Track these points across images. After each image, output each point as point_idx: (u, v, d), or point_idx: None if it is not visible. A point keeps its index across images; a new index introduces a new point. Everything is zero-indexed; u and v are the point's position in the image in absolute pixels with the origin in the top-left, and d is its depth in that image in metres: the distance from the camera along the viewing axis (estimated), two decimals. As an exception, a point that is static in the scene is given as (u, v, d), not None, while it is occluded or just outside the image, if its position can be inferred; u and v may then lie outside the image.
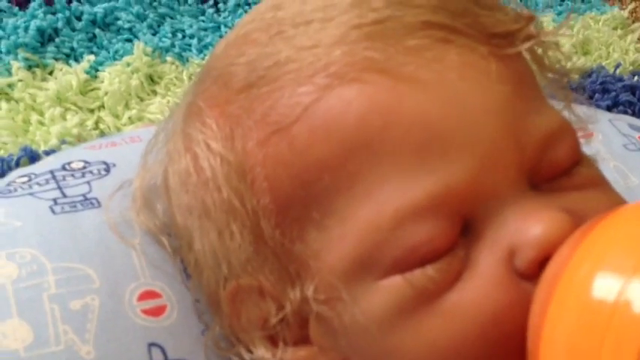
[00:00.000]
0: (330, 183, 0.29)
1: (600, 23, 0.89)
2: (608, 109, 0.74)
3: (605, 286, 0.23)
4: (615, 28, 0.89)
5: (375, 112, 0.29)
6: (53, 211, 0.37)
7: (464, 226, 0.29)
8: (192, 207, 0.33)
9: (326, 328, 0.32)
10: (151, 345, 0.34)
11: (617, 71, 0.80)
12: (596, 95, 0.75)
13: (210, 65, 0.35)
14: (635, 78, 0.79)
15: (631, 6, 0.93)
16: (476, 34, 0.30)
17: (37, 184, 0.39)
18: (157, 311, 0.35)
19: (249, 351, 0.33)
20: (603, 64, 0.81)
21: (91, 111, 0.61)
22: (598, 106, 0.74)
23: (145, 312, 0.35)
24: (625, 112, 0.73)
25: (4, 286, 0.33)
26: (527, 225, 0.28)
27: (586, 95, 0.75)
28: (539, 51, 0.35)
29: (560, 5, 0.92)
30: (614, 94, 0.75)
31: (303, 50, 0.30)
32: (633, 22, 0.91)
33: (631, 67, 0.82)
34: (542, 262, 0.28)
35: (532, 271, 0.28)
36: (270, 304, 0.32)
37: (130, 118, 0.61)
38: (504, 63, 0.30)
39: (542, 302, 0.26)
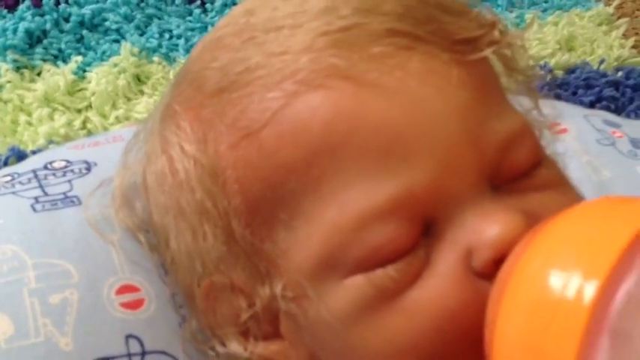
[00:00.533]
0: (296, 185, 0.30)
1: (585, 19, 0.89)
2: (592, 104, 0.75)
3: (551, 281, 0.24)
4: (600, 24, 0.90)
5: (340, 118, 0.30)
6: (34, 209, 0.38)
7: (425, 227, 0.30)
8: (168, 207, 0.34)
9: (294, 323, 0.33)
10: (129, 337, 0.35)
11: (601, 67, 0.80)
12: (580, 91, 0.76)
13: (187, 68, 0.36)
14: (619, 73, 0.80)
15: (616, 2, 0.94)
16: (439, 41, 0.31)
17: (20, 182, 0.41)
18: (135, 304, 0.37)
19: (223, 345, 0.34)
20: (587, 59, 0.82)
21: (79, 111, 0.62)
22: (581, 102, 0.75)
23: (123, 305, 0.36)
24: (608, 108, 0.74)
25: (-15, 282, 0.35)
26: (485, 226, 0.29)
27: (570, 91, 0.77)
28: (508, 53, 0.35)
29: (546, 2, 0.93)
30: (597, 89, 0.76)
31: (273, 57, 0.31)
32: (619, 17, 0.92)
33: (615, 63, 0.83)
34: (498, 262, 0.29)
35: (488, 270, 0.29)
36: (241, 301, 0.33)
37: (117, 117, 0.62)
38: (466, 69, 0.31)
39: (496, 299, 0.27)
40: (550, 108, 0.55)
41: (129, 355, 0.35)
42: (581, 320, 0.23)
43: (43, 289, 0.35)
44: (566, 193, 0.33)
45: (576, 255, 0.24)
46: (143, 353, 0.35)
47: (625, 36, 0.89)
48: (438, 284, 0.30)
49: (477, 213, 0.30)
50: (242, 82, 0.31)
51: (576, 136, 0.53)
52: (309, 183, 0.30)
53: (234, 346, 0.34)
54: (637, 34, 0.92)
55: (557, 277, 0.24)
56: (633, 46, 0.88)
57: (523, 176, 0.32)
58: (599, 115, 0.59)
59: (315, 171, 0.30)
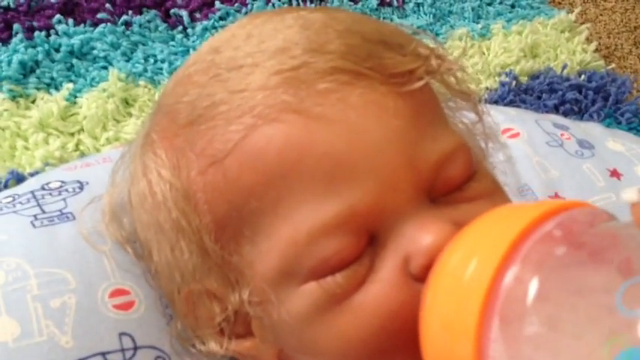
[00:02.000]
0: (256, 206, 0.34)
1: (548, 27, 0.93)
2: (556, 107, 0.79)
3: (458, 273, 0.29)
4: (563, 31, 0.93)
5: (290, 147, 0.34)
6: (34, 225, 0.43)
7: (370, 238, 0.34)
8: (150, 224, 0.39)
9: (262, 324, 0.37)
10: (122, 334, 0.40)
11: (564, 72, 0.84)
12: (544, 95, 0.80)
13: (162, 101, 0.40)
14: (582, 77, 0.84)
15: (579, 9, 0.99)
16: (377, 76, 0.35)
17: (20, 203, 0.45)
18: (126, 306, 0.41)
19: (203, 343, 0.39)
20: (551, 65, 0.86)
21: (72, 134, 0.65)
22: (546, 105, 0.79)
23: (116, 307, 0.40)
24: (572, 110, 0.78)
25: (-7, 290, 0.39)
26: (419, 236, 0.33)
27: (535, 95, 0.81)
28: (448, 78, 0.40)
29: (511, 12, 0.97)
30: (560, 93, 0.80)
31: (234, 94, 0.35)
32: (582, 23, 0.96)
33: (578, 67, 0.86)
34: (430, 266, 0.32)
35: (423, 274, 0.33)
36: (216, 306, 0.38)
37: (107, 139, 0.65)
38: (402, 99, 0.35)
39: (424, 293, 0.32)
40: (504, 115, 0.61)
41: (122, 350, 0.39)
42: (478, 302, 0.27)
43: (44, 294, 0.39)
44: (494, 202, 0.36)
45: (476, 253, 0.29)
46: (135, 348, 0.40)
47: (588, 41, 0.93)
48: (380, 288, 0.34)
49: (413, 224, 0.34)
50: (208, 115, 0.35)
51: (527, 140, 0.58)
52: (267, 204, 0.34)
53: (213, 345, 0.38)
54: (600, 37, 0.97)
55: (462, 269, 0.29)
56: (596, 50, 0.93)
57: (457, 189, 0.36)
58: (549, 119, 0.63)
59: (272, 193, 0.34)
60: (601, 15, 1.01)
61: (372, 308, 0.34)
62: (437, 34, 0.88)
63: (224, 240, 0.36)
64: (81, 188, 0.46)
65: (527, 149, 0.57)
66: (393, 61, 0.36)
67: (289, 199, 0.34)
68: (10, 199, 0.46)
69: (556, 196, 0.55)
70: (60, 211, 0.44)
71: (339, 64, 0.35)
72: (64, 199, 0.45)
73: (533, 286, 0.27)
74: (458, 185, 0.36)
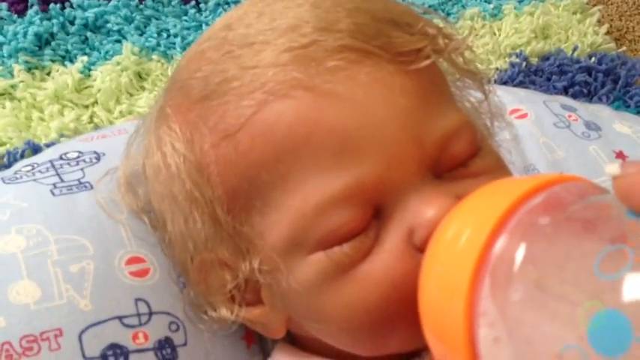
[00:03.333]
0: (267, 179, 0.36)
1: (560, 8, 0.92)
2: (565, 89, 0.79)
3: (454, 239, 0.31)
4: (575, 13, 0.93)
5: (300, 122, 0.35)
6: (53, 194, 0.44)
7: (376, 211, 0.36)
8: (164, 195, 0.40)
9: (271, 292, 0.39)
10: (138, 300, 0.41)
11: (575, 54, 0.84)
12: (554, 77, 0.81)
13: (176, 76, 0.41)
14: (592, 59, 0.84)
15: (591, -10, 0.98)
16: (385, 55, 0.36)
17: (39, 171, 0.46)
18: (142, 273, 0.42)
19: (214, 310, 0.40)
20: (562, 47, 0.86)
21: (86, 107, 0.66)
22: (555, 87, 0.79)
23: (132, 274, 0.42)
24: (581, 92, 0.78)
25: (15, 254, 0.40)
26: (423, 209, 0.35)
27: (544, 77, 0.81)
28: (455, 57, 0.40)
29: (523, -8, 0.96)
30: (570, 75, 0.80)
31: (246, 70, 0.36)
32: (593, 5, 0.96)
33: (589, 50, 0.86)
34: None
35: (425, 245, 0.33)
36: (227, 274, 0.39)
37: (121, 112, 0.67)
38: (409, 77, 0.36)
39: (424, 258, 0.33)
40: (513, 95, 0.61)
41: (138, 315, 0.41)
42: (471, 263, 0.29)
43: (64, 260, 0.41)
44: (495, 178, 0.37)
45: (472, 220, 0.31)
46: (150, 313, 0.41)
47: (599, 23, 0.93)
48: (385, 258, 0.35)
49: (418, 198, 0.35)
50: (221, 91, 0.36)
51: (535, 120, 0.59)
52: (277, 177, 0.35)
53: (224, 312, 0.40)
54: (611, 20, 0.96)
55: (458, 236, 0.31)
56: (607, 33, 0.92)
57: (461, 165, 0.37)
58: (557, 101, 0.64)
59: (282, 167, 0.35)
60: (613, -3, 1.00)
61: (377, 277, 0.35)
62: (448, 14, 0.88)
63: (235, 211, 0.37)
64: (98, 159, 0.47)
65: (535, 130, 0.58)
66: (400, 39, 0.36)
67: (298, 172, 0.35)
68: (30, 167, 0.47)
69: (562, 176, 0.56)
70: (78, 180, 0.45)
71: (348, 43, 0.36)
72: (81, 169, 0.46)
73: (521, 251, 0.29)
74: (462, 161, 0.37)
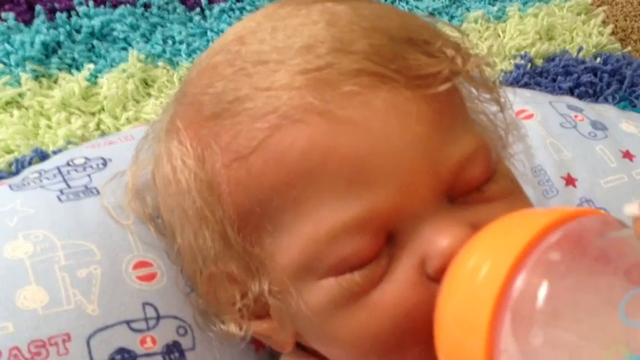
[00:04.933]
0: (279, 203, 0.35)
1: (564, 10, 0.92)
2: (571, 90, 0.79)
3: (473, 274, 0.31)
4: (579, 14, 0.93)
5: (314, 149, 0.34)
6: (60, 200, 0.44)
7: (389, 238, 0.35)
8: (174, 208, 0.40)
9: (281, 312, 0.38)
10: (145, 304, 0.41)
11: (580, 54, 0.84)
12: (559, 78, 0.80)
13: (186, 89, 0.41)
14: (597, 60, 0.84)
15: (596, -9, 0.98)
16: (401, 79, 0.35)
17: (46, 178, 0.47)
18: (149, 277, 0.42)
19: (223, 324, 0.40)
20: (567, 48, 0.86)
21: (93, 114, 0.67)
22: (560, 88, 0.79)
23: (140, 278, 0.42)
24: (586, 93, 0.78)
25: (22, 260, 0.41)
26: (436, 238, 0.34)
27: (549, 78, 0.81)
28: (473, 74, 0.40)
29: (527, -6, 0.97)
30: (575, 75, 0.80)
31: (259, 91, 0.36)
32: (598, 6, 0.96)
33: (594, 50, 0.86)
34: (446, 269, 0.33)
35: (438, 275, 0.34)
36: (236, 291, 0.39)
37: (127, 119, 0.67)
38: (426, 102, 0.35)
39: (439, 292, 0.33)
40: (519, 96, 0.61)
41: (146, 319, 0.41)
42: (491, 299, 0.29)
43: (71, 265, 0.41)
44: (510, 203, 0.37)
45: (491, 255, 0.31)
46: (158, 318, 0.41)
47: (604, 23, 0.93)
48: (397, 287, 0.35)
49: (431, 226, 0.35)
50: (233, 111, 0.36)
51: (541, 121, 0.58)
52: (289, 202, 0.35)
53: (232, 327, 0.40)
54: (616, 20, 0.96)
55: (477, 270, 0.31)
56: (612, 33, 0.92)
57: (475, 190, 0.37)
58: (563, 101, 0.63)
59: (295, 192, 0.35)
60: (618, -3, 1.00)
61: (388, 307, 0.35)
62: (452, 17, 0.88)
63: (246, 231, 0.37)
64: (104, 165, 0.48)
65: (541, 130, 0.57)
66: (418, 62, 0.36)
67: (311, 198, 0.35)
68: (37, 174, 0.47)
69: (568, 176, 0.56)
70: (85, 186, 0.46)
71: (363, 66, 0.35)
72: (88, 175, 0.47)
73: (543, 289, 0.29)
74: (477, 186, 0.37)
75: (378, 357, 0.36)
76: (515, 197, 0.39)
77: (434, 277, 0.34)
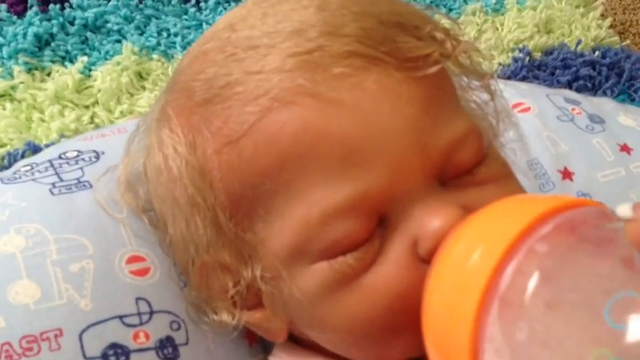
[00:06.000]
0: (270, 187, 0.35)
1: (563, 2, 0.92)
2: (569, 83, 0.79)
3: (463, 260, 0.30)
4: (578, 7, 0.92)
5: (305, 131, 0.34)
6: (52, 193, 0.44)
7: (380, 221, 0.35)
8: (165, 198, 0.39)
9: (273, 298, 0.38)
10: (139, 299, 0.41)
11: (579, 48, 0.84)
12: (557, 71, 0.80)
13: (178, 76, 0.40)
14: (596, 53, 0.83)
15: (594, -16, 0.97)
16: (392, 61, 0.35)
17: (38, 171, 0.46)
18: (142, 272, 0.42)
19: (215, 314, 0.40)
20: (565, 41, 0.86)
21: (87, 107, 0.66)
22: (559, 82, 0.79)
23: (133, 272, 0.42)
24: (585, 86, 0.78)
25: (14, 255, 0.40)
26: (427, 220, 0.34)
27: (548, 71, 0.81)
28: (463, 60, 0.40)
29: (524, -13, 0.96)
30: (574, 69, 0.80)
31: (250, 75, 0.35)
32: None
33: (592, 43, 0.85)
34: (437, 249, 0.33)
35: (430, 257, 0.33)
36: (229, 279, 0.38)
37: (121, 112, 0.66)
38: (416, 84, 0.35)
39: (428, 275, 0.33)
40: (515, 89, 0.61)
41: (139, 314, 0.41)
42: (480, 287, 0.29)
43: (63, 259, 0.40)
44: (503, 187, 0.37)
45: (482, 241, 0.31)
46: (151, 312, 0.41)
47: (603, 16, 0.93)
48: (389, 269, 0.35)
49: (422, 208, 0.35)
50: (224, 95, 0.36)
51: (538, 114, 0.58)
52: (281, 185, 0.35)
53: (225, 316, 0.40)
54: (615, 14, 0.96)
55: (467, 255, 0.30)
56: (611, 26, 0.92)
57: (467, 173, 0.36)
58: (560, 94, 0.63)
59: (286, 175, 0.35)
60: (616, -10, 1.00)
61: (381, 288, 0.35)
62: (450, 9, 0.88)
63: (238, 217, 0.37)
64: (97, 158, 0.47)
65: (538, 123, 0.57)
66: (408, 45, 0.36)
67: (303, 181, 0.35)
68: (29, 167, 0.47)
69: (565, 170, 0.55)
70: (77, 179, 0.45)
71: (354, 48, 0.35)
72: (81, 168, 0.46)
73: (533, 280, 0.28)
74: (468, 169, 0.37)
75: (371, 340, 0.36)
76: (506, 181, 0.38)
77: (426, 259, 0.34)
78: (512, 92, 0.60)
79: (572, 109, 0.60)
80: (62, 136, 0.62)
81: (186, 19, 0.78)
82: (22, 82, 0.66)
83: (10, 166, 0.56)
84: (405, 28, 0.37)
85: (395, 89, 0.35)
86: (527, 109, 0.59)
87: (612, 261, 0.28)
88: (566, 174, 0.55)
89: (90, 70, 0.69)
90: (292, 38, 0.36)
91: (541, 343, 0.27)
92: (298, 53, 0.35)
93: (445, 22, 0.40)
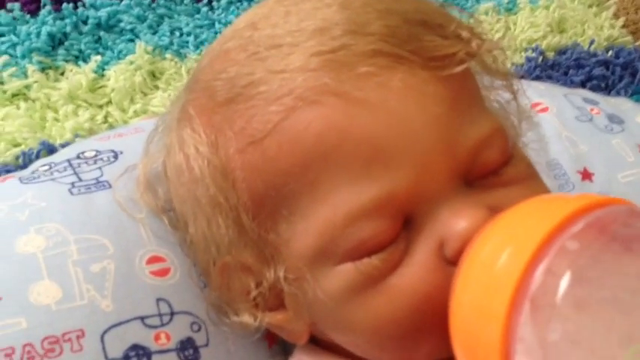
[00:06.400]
0: (294, 187, 0.35)
1: (576, 2, 0.92)
2: (582, 83, 0.78)
3: (492, 261, 0.30)
4: (590, 6, 0.92)
5: (330, 130, 0.34)
6: (71, 193, 0.44)
7: (406, 222, 0.35)
8: (186, 197, 0.39)
9: (296, 300, 0.38)
10: (159, 300, 0.41)
11: (592, 47, 0.83)
12: (571, 71, 0.80)
13: (198, 76, 0.40)
14: (609, 53, 0.83)
15: (606, -17, 0.97)
16: (418, 60, 0.35)
17: (57, 171, 0.46)
18: (162, 272, 0.42)
19: (237, 315, 0.40)
20: (578, 40, 0.85)
21: (100, 106, 0.66)
22: (572, 81, 0.79)
23: (153, 273, 0.41)
24: (598, 86, 0.77)
25: (35, 255, 0.40)
26: (454, 221, 0.34)
27: (561, 71, 0.80)
28: (487, 59, 0.39)
29: (537, -14, 0.96)
30: (587, 69, 0.80)
31: (274, 74, 0.35)
32: (609, -1, 0.95)
33: (605, 43, 0.85)
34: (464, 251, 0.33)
35: (456, 258, 0.33)
36: (250, 280, 0.38)
37: (135, 111, 0.66)
38: (442, 83, 0.35)
39: (456, 276, 0.32)
40: (533, 89, 0.60)
41: (160, 315, 0.40)
42: (511, 287, 0.28)
43: (84, 260, 0.40)
44: (528, 187, 0.37)
45: (511, 241, 0.30)
46: (172, 313, 0.41)
47: (615, 16, 0.92)
48: (415, 271, 0.34)
49: (449, 209, 0.34)
50: (247, 94, 0.36)
51: (556, 114, 0.58)
52: (305, 185, 0.35)
53: (246, 317, 0.39)
54: (628, 13, 0.95)
55: (495, 256, 0.30)
56: (623, 26, 0.91)
57: (492, 174, 0.36)
58: (578, 94, 0.63)
59: (311, 175, 0.34)
60: (629, -10, 0.99)
61: (407, 290, 0.34)
62: (463, 9, 0.87)
63: (261, 218, 0.37)
64: (115, 157, 0.47)
65: (557, 123, 0.57)
66: (433, 43, 0.35)
67: (327, 181, 0.34)
68: (47, 167, 0.47)
69: (585, 170, 0.55)
70: (96, 179, 0.45)
71: (379, 47, 0.35)
72: (99, 168, 0.46)
73: (565, 280, 0.28)
74: (494, 169, 0.36)
75: (397, 343, 0.36)
76: (532, 181, 0.38)
77: (452, 261, 0.34)
78: (529, 92, 0.59)
79: (591, 109, 0.59)
80: (76, 135, 0.62)
81: (199, 19, 0.78)
82: (35, 82, 0.66)
83: (25, 165, 0.56)
84: (430, 26, 0.36)
85: (420, 88, 0.35)
86: (546, 109, 0.58)
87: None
88: (586, 175, 0.55)
89: (103, 69, 0.69)
90: (316, 37, 0.35)
91: (573, 343, 0.27)
92: (322, 52, 0.35)
93: (466, 19, 0.40)
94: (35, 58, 0.67)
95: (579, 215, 0.29)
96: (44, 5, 0.73)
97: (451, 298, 0.32)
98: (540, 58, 0.81)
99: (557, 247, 0.29)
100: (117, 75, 0.68)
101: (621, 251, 0.29)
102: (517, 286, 0.28)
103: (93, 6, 0.74)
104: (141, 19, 0.75)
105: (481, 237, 0.32)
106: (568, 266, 0.28)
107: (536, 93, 0.60)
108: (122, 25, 0.73)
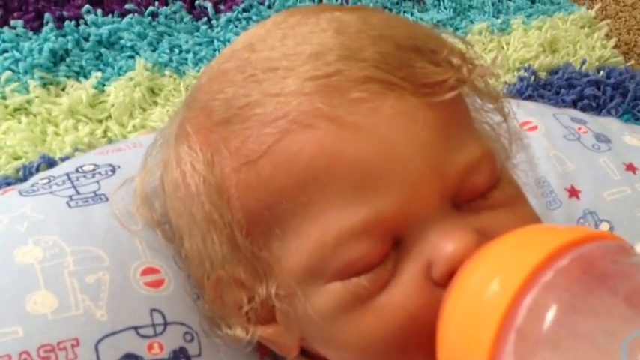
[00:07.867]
0: (287, 207, 0.36)
1: (568, 23, 0.93)
2: (574, 102, 0.79)
3: (480, 290, 0.31)
4: (582, 27, 0.94)
5: (323, 154, 0.35)
6: (69, 206, 0.45)
7: (395, 243, 0.36)
8: (182, 213, 0.40)
9: (287, 315, 0.39)
10: (153, 310, 0.42)
11: (583, 67, 0.85)
12: (562, 90, 0.81)
13: (196, 95, 0.41)
14: (601, 73, 0.84)
15: (599, 5, 0.99)
16: (409, 86, 0.36)
17: (56, 184, 0.47)
18: (157, 284, 0.43)
19: (229, 328, 0.41)
20: (570, 61, 0.87)
21: (100, 121, 0.67)
22: (564, 101, 0.80)
23: (147, 284, 0.42)
24: (590, 106, 0.79)
25: (32, 265, 0.41)
26: (442, 244, 0.35)
27: (553, 91, 0.82)
28: (478, 84, 0.40)
29: (531, 7, 0.97)
30: (579, 88, 0.81)
31: (269, 97, 0.36)
32: (601, 19, 0.97)
33: (597, 63, 0.87)
34: (452, 273, 0.34)
35: (444, 280, 0.34)
36: (243, 295, 0.39)
37: (134, 126, 0.67)
38: (432, 109, 0.36)
39: (444, 302, 0.33)
40: (523, 109, 0.62)
41: (153, 325, 0.41)
42: (497, 318, 0.29)
43: (80, 270, 0.41)
44: (515, 211, 0.38)
45: (500, 272, 0.31)
46: (165, 324, 0.42)
47: (607, 37, 0.94)
48: (402, 291, 0.35)
49: (437, 231, 0.35)
50: (243, 116, 0.37)
51: (545, 133, 0.59)
52: (298, 206, 0.36)
53: (238, 331, 0.40)
54: (619, 34, 0.97)
55: (484, 285, 0.31)
56: (615, 47, 0.93)
57: (480, 197, 0.37)
58: (567, 113, 0.64)
59: (303, 196, 0.35)
60: (621, 12, 1.01)
61: (394, 310, 0.35)
62: (457, 29, 0.89)
63: (254, 235, 0.37)
64: (113, 171, 0.48)
65: (545, 142, 0.58)
66: (425, 70, 0.36)
67: (319, 202, 0.35)
68: (47, 180, 0.48)
69: (572, 188, 0.56)
70: (94, 192, 0.46)
71: (371, 73, 0.36)
72: (97, 182, 0.47)
73: (551, 313, 0.28)
74: (482, 193, 0.37)
75: None
76: (519, 205, 0.39)
77: (440, 282, 0.34)
78: (518, 111, 0.60)
79: (579, 128, 0.60)
80: (76, 149, 0.63)
81: (198, 36, 0.79)
82: (37, 97, 0.67)
83: (25, 178, 0.57)
84: (422, 52, 0.37)
85: (411, 114, 0.35)
86: (534, 128, 0.60)
87: (629, 297, 0.28)
88: (573, 192, 0.56)
89: (104, 85, 0.70)
90: (311, 61, 0.36)
91: None
92: (317, 77, 0.36)
93: (456, 43, 0.41)
94: (37, 73, 0.69)
95: (567, 249, 0.30)
96: (47, 22, 0.74)
97: (439, 322, 0.33)
98: (532, 78, 0.82)
99: (544, 280, 0.29)
100: (117, 91, 0.69)
101: (605, 290, 0.29)
102: (503, 317, 0.29)
103: (94, 23, 0.76)
104: (141, 36, 0.76)
105: (470, 265, 0.33)
106: (553, 300, 0.29)
107: (525, 112, 0.61)
108: (123, 42, 0.75)
